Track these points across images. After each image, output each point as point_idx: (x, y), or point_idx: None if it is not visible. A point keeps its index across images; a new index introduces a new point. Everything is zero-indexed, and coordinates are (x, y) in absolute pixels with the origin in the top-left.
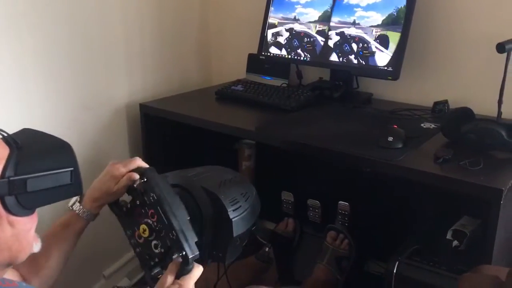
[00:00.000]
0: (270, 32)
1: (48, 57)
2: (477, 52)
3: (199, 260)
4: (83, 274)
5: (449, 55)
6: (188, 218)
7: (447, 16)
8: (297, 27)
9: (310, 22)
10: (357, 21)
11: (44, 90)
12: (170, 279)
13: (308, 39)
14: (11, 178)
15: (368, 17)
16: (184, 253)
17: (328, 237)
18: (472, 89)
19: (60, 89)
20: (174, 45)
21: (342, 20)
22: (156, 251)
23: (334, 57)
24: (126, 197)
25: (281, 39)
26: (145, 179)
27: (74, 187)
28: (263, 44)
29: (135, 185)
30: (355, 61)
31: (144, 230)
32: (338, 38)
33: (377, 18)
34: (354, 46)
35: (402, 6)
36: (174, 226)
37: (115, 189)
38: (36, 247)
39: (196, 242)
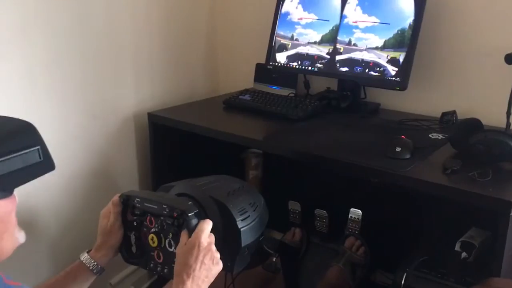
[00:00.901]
0: (284, 55)
1: (57, 66)
2: (486, 63)
3: None
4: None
5: (458, 65)
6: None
7: (455, 27)
8: (309, 50)
9: (314, 43)
10: (354, 42)
11: (53, 99)
12: (182, 244)
13: (322, 61)
14: None
15: (366, 39)
16: (179, 212)
17: (347, 242)
18: (481, 99)
19: (68, 98)
20: (182, 54)
21: (342, 40)
22: (171, 249)
23: (342, 68)
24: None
25: (295, 63)
26: (125, 195)
27: (46, 164)
28: (271, 54)
29: (128, 218)
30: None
31: (153, 240)
32: (350, 62)
33: (375, 40)
34: (369, 69)
35: (408, 27)
36: (162, 202)
37: (109, 225)
38: (21, 237)
39: (190, 204)
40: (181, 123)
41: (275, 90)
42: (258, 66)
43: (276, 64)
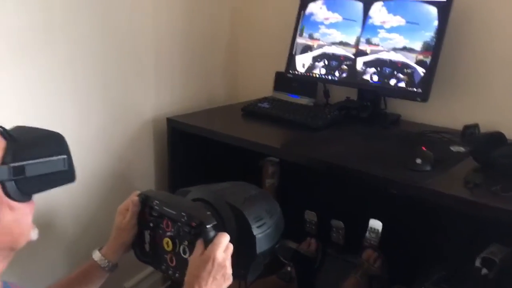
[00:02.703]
0: (310, 56)
1: (81, 69)
2: (510, 75)
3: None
4: (103, 286)
5: (481, 77)
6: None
7: (479, 37)
8: (334, 50)
9: (338, 43)
10: (379, 43)
11: (76, 100)
12: (196, 254)
13: (347, 62)
14: (11, 164)
15: (391, 39)
16: (198, 222)
17: (365, 254)
18: (505, 113)
19: (90, 100)
20: (203, 61)
21: (367, 40)
22: (185, 256)
23: (366, 78)
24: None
25: (320, 63)
26: (144, 195)
27: (69, 174)
28: (291, 62)
29: (145, 218)
30: (392, 83)
31: (168, 243)
32: (378, 63)
33: (400, 40)
34: (397, 70)
35: (432, 29)
36: (181, 209)
37: (124, 222)
38: (34, 234)
39: (209, 214)
40: (199, 129)
41: (295, 99)
42: (278, 75)
43: (296, 72)
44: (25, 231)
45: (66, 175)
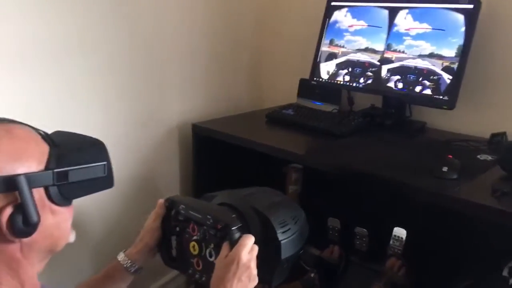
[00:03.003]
0: (334, 63)
1: (108, 75)
2: None
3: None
4: None
5: (509, 84)
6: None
7: (507, 43)
8: (359, 57)
9: (364, 50)
10: (404, 50)
11: (103, 106)
12: (222, 256)
13: (372, 69)
14: (55, 170)
15: (417, 46)
16: (223, 224)
17: (389, 262)
18: None
19: (117, 106)
20: (228, 67)
21: (393, 47)
22: (211, 259)
23: (390, 85)
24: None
25: (344, 71)
26: (171, 200)
27: (108, 180)
28: (315, 69)
29: (171, 223)
30: (417, 91)
31: (194, 247)
32: (403, 70)
33: (426, 47)
34: (423, 77)
35: (460, 35)
36: (207, 212)
37: (148, 223)
38: (72, 237)
39: (234, 217)
40: (224, 135)
41: (319, 105)
42: (302, 82)
43: (320, 79)
44: (65, 235)
45: (106, 181)
